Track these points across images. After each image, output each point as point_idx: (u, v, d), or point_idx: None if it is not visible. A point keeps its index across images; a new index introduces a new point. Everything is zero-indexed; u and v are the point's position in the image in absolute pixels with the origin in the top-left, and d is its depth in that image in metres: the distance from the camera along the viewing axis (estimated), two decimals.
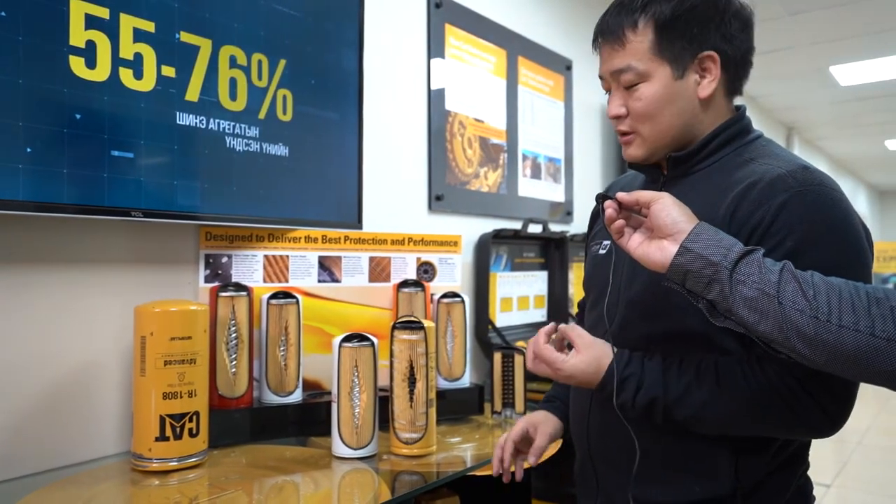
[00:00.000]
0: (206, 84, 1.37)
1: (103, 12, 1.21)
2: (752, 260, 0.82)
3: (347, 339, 1.41)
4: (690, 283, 0.85)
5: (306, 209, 1.59)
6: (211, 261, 1.57)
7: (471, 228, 2.40)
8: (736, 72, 1.03)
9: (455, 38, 2.36)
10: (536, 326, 2.70)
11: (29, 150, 1.12)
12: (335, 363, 1.40)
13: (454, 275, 1.95)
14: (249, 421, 1.49)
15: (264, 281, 1.65)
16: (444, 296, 1.77)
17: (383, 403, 1.45)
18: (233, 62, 1.42)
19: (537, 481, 1.94)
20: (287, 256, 1.69)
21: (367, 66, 1.81)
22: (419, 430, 1.43)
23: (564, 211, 3.01)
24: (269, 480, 1.26)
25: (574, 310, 2.80)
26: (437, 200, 2.26)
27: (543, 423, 1.23)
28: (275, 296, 1.57)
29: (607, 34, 1.03)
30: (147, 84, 1.28)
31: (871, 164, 10.71)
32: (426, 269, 1.90)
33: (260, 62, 1.48)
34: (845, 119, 7.18)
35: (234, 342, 1.49)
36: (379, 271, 1.83)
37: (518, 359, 1.81)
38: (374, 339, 1.43)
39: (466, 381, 1.80)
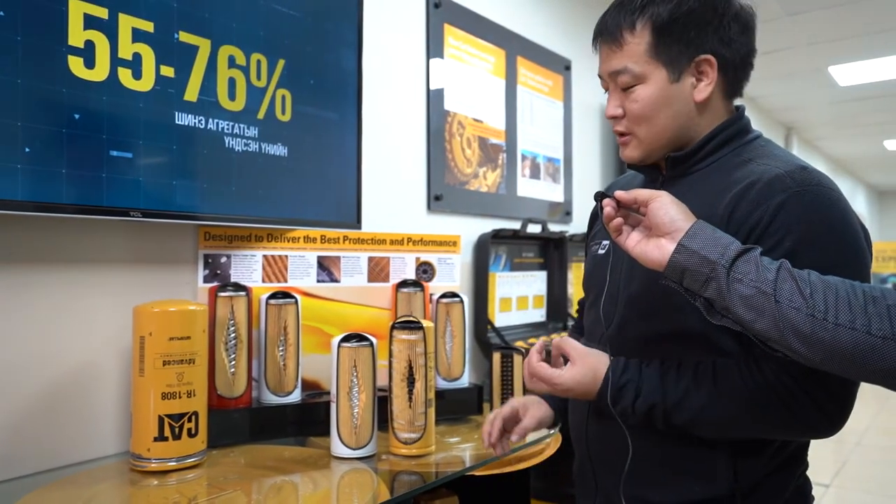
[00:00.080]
0: (204, 84, 1.37)
1: (102, 12, 1.21)
2: (750, 258, 0.82)
3: (346, 339, 1.41)
4: (688, 281, 0.85)
5: (305, 209, 1.59)
6: (210, 261, 1.57)
7: (470, 228, 2.40)
8: (735, 74, 1.03)
9: (454, 38, 2.36)
10: (536, 326, 2.71)
11: (28, 150, 1.12)
12: (334, 363, 1.40)
13: (453, 275, 1.95)
14: (248, 421, 1.49)
15: (263, 281, 1.65)
16: (443, 296, 1.77)
17: (382, 403, 1.45)
18: (232, 62, 1.42)
19: (536, 481, 1.94)
20: (286, 256, 1.69)
21: (367, 66, 1.82)
22: (418, 430, 1.43)
23: (563, 211, 3.01)
24: (268, 480, 1.26)
25: (574, 309, 2.80)
26: (436, 200, 2.26)
27: (534, 407, 1.23)
28: (274, 296, 1.57)
29: (606, 35, 1.03)
30: (146, 84, 1.28)
31: (870, 164, 10.72)
32: (425, 269, 1.90)
33: (259, 62, 1.48)
34: (844, 119, 7.19)
35: (232, 342, 1.49)
36: (378, 271, 1.83)
37: (517, 359, 1.81)
38: (373, 339, 1.43)
39: (465, 381, 1.80)
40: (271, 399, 1.55)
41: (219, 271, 1.58)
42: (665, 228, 0.86)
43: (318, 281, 1.74)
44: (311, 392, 1.66)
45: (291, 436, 1.54)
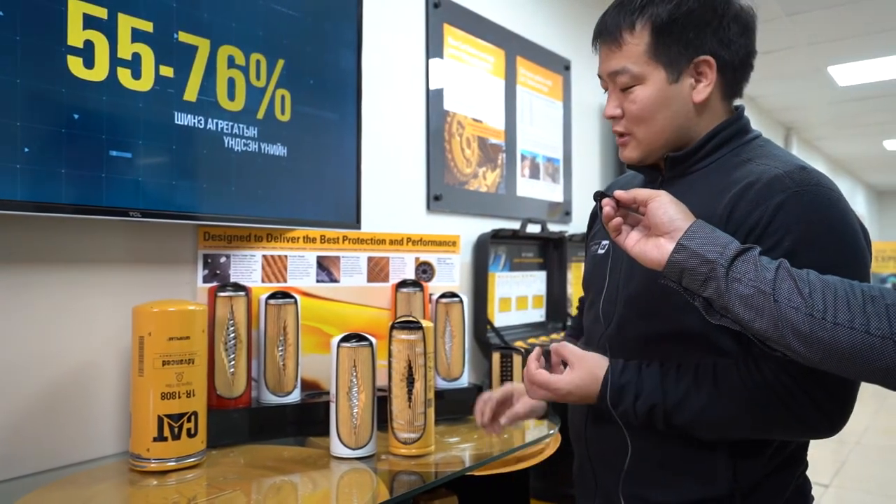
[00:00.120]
0: (204, 84, 1.37)
1: (101, 12, 1.21)
2: (749, 258, 0.82)
3: (346, 339, 1.41)
4: (687, 280, 0.85)
5: (304, 209, 1.59)
6: (209, 261, 1.57)
7: (469, 228, 2.40)
8: (734, 76, 1.02)
9: (454, 38, 2.36)
10: (535, 326, 2.71)
11: (27, 150, 1.12)
12: (333, 363, 1.40)
13: (453, 275, 1.95)
14: (248, 421, 1.49)
15: (263, 281, 1.65)
16: (443, 296, 1.77)
17: (382, 403, 1.45)
18: (231, 62, 1.42)
19: (536, 481, 1.94)
20: (285, 256, 1.69)
21: (366, 66, 1.82)
22: (417, 430, 1.43)
23: (563, 211, 3.01)
24: (268, 480, 1.26)
25: (574, 307, 2.80)
26: (436, 200, 2.26)
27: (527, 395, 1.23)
28: (273, 296, 1.57)
29: (605, 35, 1.03)
30: (145, 84, 1.28)
31: (870, 164, 10.72)
32: (425, 269, 1.90)
33: (258, 62, 1.48)
34: (843, 119, 7.19)
35: (232, 342, 1.49)
36: (377, 271, 1.83)
37: (517, 359, 1.81)
38: (373, 339, 1.43)
39: (465, 381, 1.80)
40: (271, 399, 1.55)
41: (218, 271, 1.58)
42: (664, 228, 0.86)
43: (318, 281, 1.74)
44: (310, 392, 1.66)
45: (291, 436, 1.54)
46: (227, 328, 1.48)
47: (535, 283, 2.74)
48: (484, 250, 2.36)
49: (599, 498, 1.10)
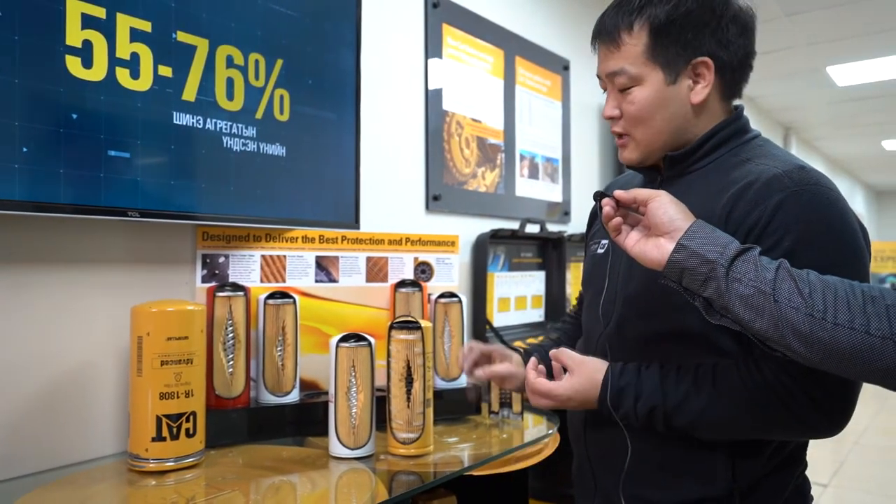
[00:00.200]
0: (202, 84, 1.37)
1: (100, 12, 1.21)
2: (749, 258, 0.82)
3: (344, 339, 1.41)
4: (687, 280, 0.85)
5: (303, 209, 1.59)
6: (208, 261, 1.57)
7: (468, 228, 2.40)
8: (732, 77, 1.02)
9: (452, 37, 2.36)
10: (534, 326, 2.71)
11: (25, 149, 1.12)
12: (332, 363, 1.40)
13: (451, 275, 1.95)
14: (246, 421, 1.49)
15: (261, 281, 1.65)
16: (442, 296, 1.77)
17: (380, 403, 1.45)
18: (230, 62, 1.42)
19: (535, 481, 1.94)
20: (284, 256, 1.69)
21: (365, 65, 1.81)
22: (416, 430, 1.43)
23: (562, 211, 3.02)
24: (266, 480, 1.26)
25: (573, 305, 2.80)
26: (435, 200, 2.26)
27: (510, 363, 1.23)
28: (272, 296, 1.57)
29: (604, 35, 1.03)
30: (144, 84, 1.28)
31: (869, 164, 10.73)
32: (423, 269, 1.90)
33: (257, 62, 1.48)
34: (842, 119, 7.19)
35: (231, 342, 1.48)
36: (376, 271, 1.83)
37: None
38: (372, 339, 1.43)
39: (464, 381, 1.79)
40: (269, 399, 1.55)
41: (217, 271, 1.58)
42: (664, 228, 0.86)
43: (317, 281, 1.74)
44: (309, 392, 1.66)
45: (289, 436, 1.54)
46: (226, 328, 1.48)
47: (533, 283, 2.74)
48: (483, 250, 2.36)
49: (599, 498, 1.10)
